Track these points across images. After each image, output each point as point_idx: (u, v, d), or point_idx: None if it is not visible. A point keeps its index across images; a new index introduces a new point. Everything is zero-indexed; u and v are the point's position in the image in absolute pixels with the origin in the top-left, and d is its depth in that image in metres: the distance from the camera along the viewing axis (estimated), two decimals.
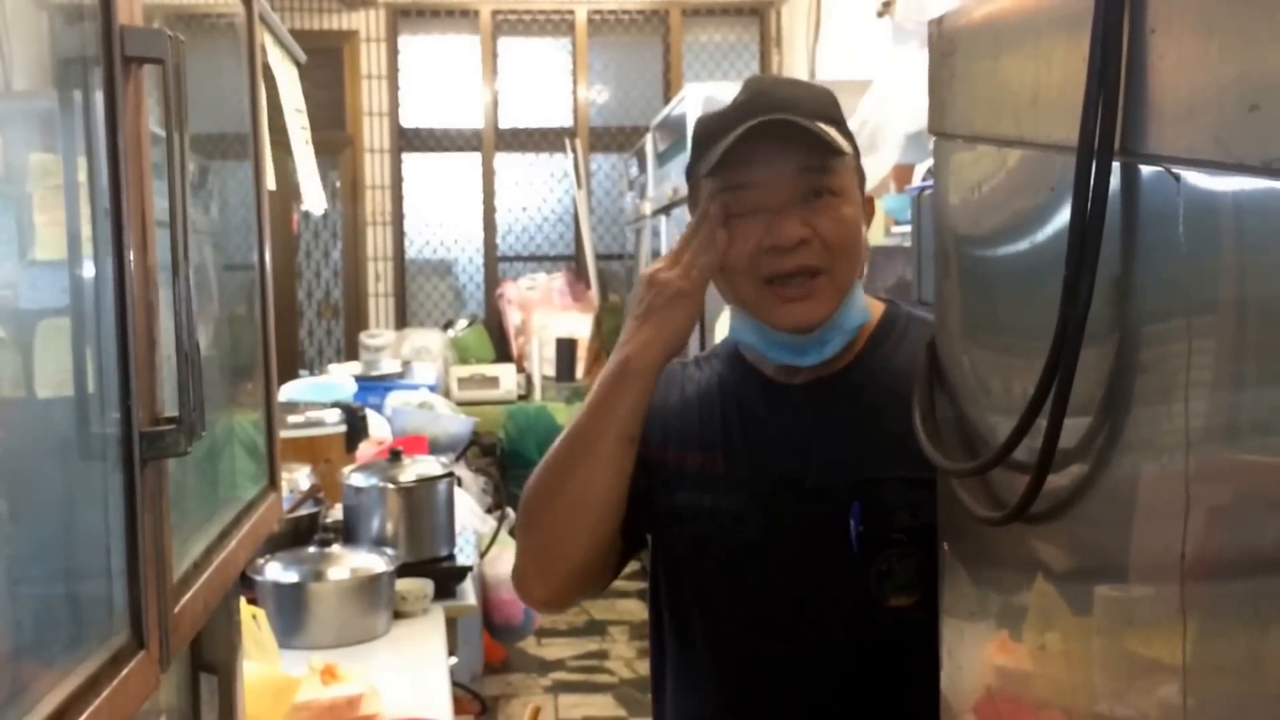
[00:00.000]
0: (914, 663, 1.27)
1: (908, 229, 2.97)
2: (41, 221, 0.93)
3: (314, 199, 1.98)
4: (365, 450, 3.69)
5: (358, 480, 2.98)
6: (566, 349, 6.57)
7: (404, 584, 2.76)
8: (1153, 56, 0.73)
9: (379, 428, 4.22)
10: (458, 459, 4.56)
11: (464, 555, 3.13)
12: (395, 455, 3.06)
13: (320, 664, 2.19)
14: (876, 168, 3.50)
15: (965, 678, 1.14)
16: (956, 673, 1.15)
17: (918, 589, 1.34)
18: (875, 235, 3.25)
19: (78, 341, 0.95)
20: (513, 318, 6.97)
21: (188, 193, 1.01)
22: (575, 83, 7.27)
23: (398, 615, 2.73)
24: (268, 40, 1.64)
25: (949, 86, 1.11)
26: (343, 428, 3.58)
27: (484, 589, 4.13)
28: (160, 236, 1.00)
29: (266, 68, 1.62)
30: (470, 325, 6.95)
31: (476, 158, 7.26)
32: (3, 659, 0.80)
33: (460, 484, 3.59)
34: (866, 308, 1.44)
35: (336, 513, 3.06)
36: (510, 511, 3.48)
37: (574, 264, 7.32)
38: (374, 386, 5.29)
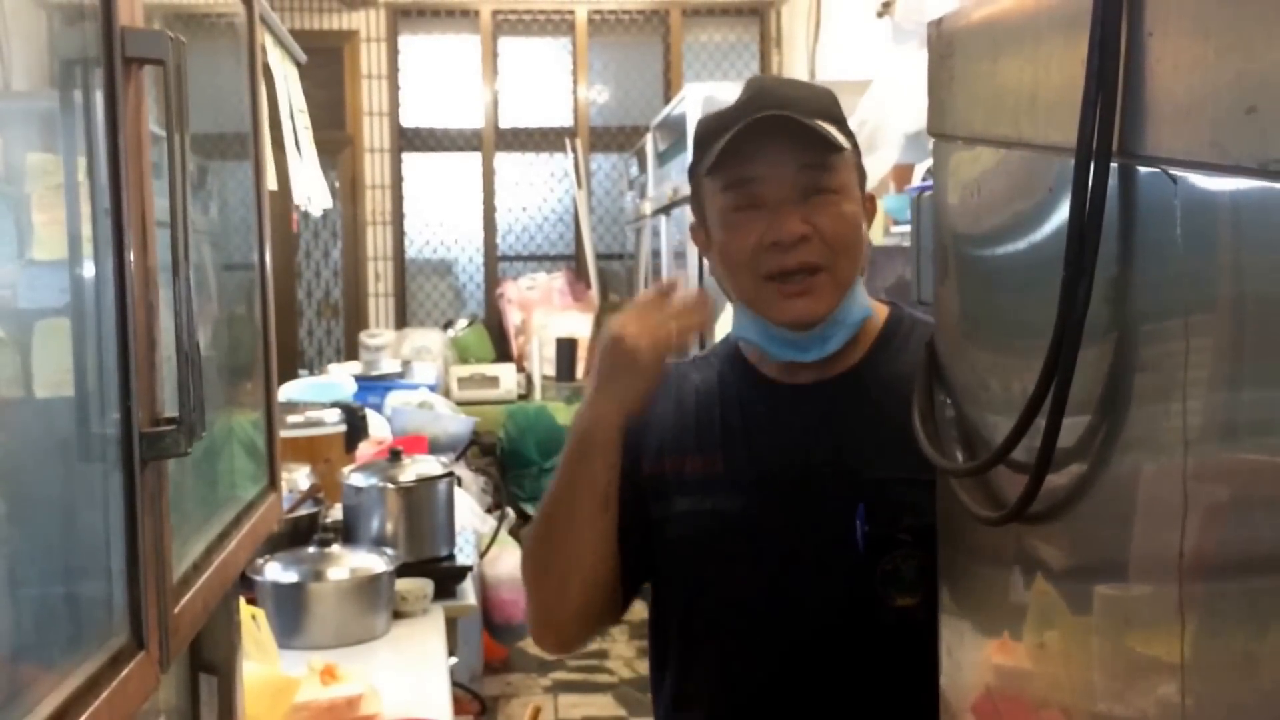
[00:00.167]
0: (917, 662, 1.27)
1: (907, 229, 2.97)
2: (41, 221, 0.93)
3: (317, 199, 1.98)
4: (365, 450, 3.69)
5: (357, 480, 2.98)
6: (566, 349, 6.56)
7: (404, 584, 2.76)
8: (1150, 58, 0.74)
9: (379, 427, 4.22)
10: (458, 459, 4.56)
11: (464, 555, 3.13)
12: (395, 455, 3.06)
13: (320, 664, 2.19)
14: (876, 168, 3.49)
15: (965, 677, 1.14)
16: (956, 672, 1.15)
17: (921, 589, 1.34)
18: (875, 235, 3.24)
19: (77, 341, 0.95)
20: (513, 317, 6.96)
21: (188, 193, 1.01)
22: (575, 82, 7.26)
23: (397, 615, 2.73)
24: (268, 40, 1.64)
25: (948, 88, 1.11)
26: (342, 428, 3.58)
27: (484, 589, 4.13)
28: (160, 236, 1.00)
29: (266, 68, 1.62)
30: (470, 325, 6.94)
31: (476, 157, 7.26)
32: (3, 660, 0.81)
33: (460, 484, 3.59)
34: (868, 304, 1.45)
35: (336, 513, 3.06)
36: (510, 511, 3.48)
37: (574, 264, 7.31)
38: (374, 386, 5.29)
